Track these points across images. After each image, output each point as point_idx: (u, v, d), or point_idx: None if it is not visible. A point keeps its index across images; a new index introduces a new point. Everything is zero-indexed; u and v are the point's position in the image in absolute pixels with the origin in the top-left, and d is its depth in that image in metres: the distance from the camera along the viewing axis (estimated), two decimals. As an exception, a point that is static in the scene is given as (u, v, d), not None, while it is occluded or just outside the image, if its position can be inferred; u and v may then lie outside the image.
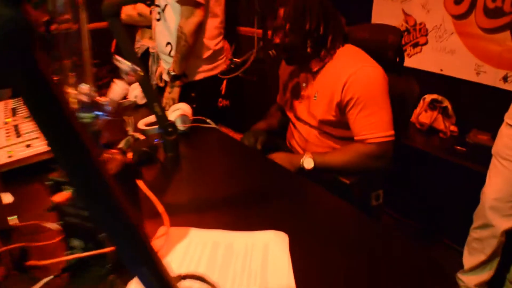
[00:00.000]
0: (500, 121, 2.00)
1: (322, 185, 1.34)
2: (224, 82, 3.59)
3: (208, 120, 1.72)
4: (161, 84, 2.31)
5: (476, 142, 2.45)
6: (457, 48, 2.58)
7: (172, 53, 2.06)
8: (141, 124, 1.69)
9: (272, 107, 2.05)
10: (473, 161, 2.30)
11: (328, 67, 1.62)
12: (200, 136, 1.68)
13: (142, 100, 2.01)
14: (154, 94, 1.38)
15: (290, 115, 1.83)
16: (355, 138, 1.57)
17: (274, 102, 2.04)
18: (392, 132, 1.55)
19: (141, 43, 2.90)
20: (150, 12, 2.36)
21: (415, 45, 2.78)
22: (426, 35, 2.71)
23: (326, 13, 1.57)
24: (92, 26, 3.46)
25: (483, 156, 2.24)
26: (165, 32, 2.08)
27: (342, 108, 1.57)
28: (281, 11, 1.59)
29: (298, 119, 1.77)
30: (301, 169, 1.58)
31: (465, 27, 2.52)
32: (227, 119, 3.70)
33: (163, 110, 1.41)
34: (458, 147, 2.42)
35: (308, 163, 1.57)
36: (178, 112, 1.64)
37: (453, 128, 2.60)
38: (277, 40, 1.62)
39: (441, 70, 2.67)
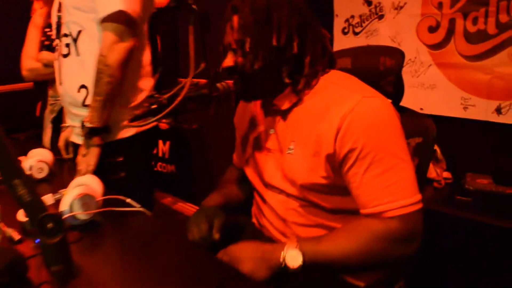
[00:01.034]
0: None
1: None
2: (168, 143, 2.95)
3: (128, 200, 1.05)
4: (67, 156, 1.57)
5: (478, 188, 1.91)
6: (438, 82, 2.10)
7: (89, 100, 1.34)
8: (23, 214, 1.01)
9: (227, 170, 1.39)
10: (481, 212, 1.76)
11: (307, 101, 1.02)
12: (116, 228, 1.01)
13: (39, 174, 1.33)
14: (5, 149, 0.71)
15: (255, 181, 1.18)
16: (363, 211, 0.94)
17: (230, 162, 1.40)
18: (420, 196, 0.93)
19: (57, 98, 2.17)
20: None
21: (387, 83, 2.29)
22: (399, 71, 2.23)
23: (301, 22, 0.99)
24: (12, 87, 2.76)
25: (490, 204, 1.82)
26: (77, 71, 1.37)
27: (336, 165, 0.96)
28: (235, 20, 0.99)
29: (267, 185, 1.13)
30: (283, 270, 0.92)
31: (445, 57, 2.06)
32: (175, 187, 3.02)
33: (31, 188, 0.75)
34: (461, 197, 1.87)
35: (293, 258, 0.91)
36: (77, 190, 0.97)
37: (446, 174, 2.06)
38: (229, 63, 1.00)
39: (421, 109, 2.16)
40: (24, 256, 0.79)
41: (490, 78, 1.94)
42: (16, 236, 0.93)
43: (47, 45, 2.04)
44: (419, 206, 0.93)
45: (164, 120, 0.84)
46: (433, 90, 2.13)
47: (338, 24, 2.40)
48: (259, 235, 1.17)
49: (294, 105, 1.04)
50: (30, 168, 1.31)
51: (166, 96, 0.80)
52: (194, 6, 0.78)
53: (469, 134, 2.06)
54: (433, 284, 1.88)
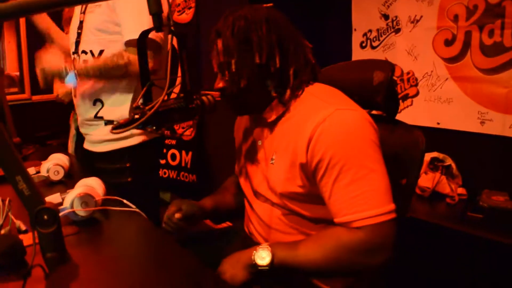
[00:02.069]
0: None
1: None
2: (190, 154, 3.11)
3: (125, 201, 1.19)
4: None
5: (492, 205, 1.91)
6: (455, 96, 2.13)
7: (102, 113, 1.53)
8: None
9: (227, 179, 1.50)
10: (492, 230, 1.76)
11: (289, 114, 1.12)
12: (112, 225, 1.15)
13: (56, 176, 1.50)
14: (9, 148, 0.86)
15: (246, 189, 1.29)
16: (335, 220, 1.02)
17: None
18: (392, 206, 0.99)
19: None
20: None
21: (405, 97, 2.33)
22: (416, 85, 2.27)
23: (280, 37, 1.09)
24: (48, 97, 2.99)
25: (504, 222, 1.81)
26: (93, 87, 1.54)
27: (310, 174, 1.04)
28: (219, 44, 1.11)
29: (257, 194, 1.23)
30: (254, 267, 1.02)
31: (461, 70, 2.10)
32: (196, 196, 3.15)
33: (31, 184, 0.89)
34: (472, 214, 1.88)
35: (261, 257, 1.01)
36: (79, 190, 1.12)
37: (461, 190, 2.07)
38: (219, 84, 1.13)
39: (438, 123, 2.20)
40: (22, 242, 0.94)
41: (507, 92, 1.95)
42: (23, 227, 1.09)
43: None
44: (390, 216, 0.97)
45: (149, 129, 0.97)
46: (449, 104, 2.16)
47: (356, 38, 2.49)
48: (249, 241, 1.27)
49: (280, 116, 1.13)
50: (47, 171, 1.48)
51: (148, 107, 0.93)
52: (172, 28, 0.91)
53: (486, 150, 2.07)
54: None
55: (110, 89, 1.49)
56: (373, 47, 2.41)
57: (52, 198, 1.23)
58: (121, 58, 1.41)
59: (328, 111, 1.02)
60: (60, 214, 0.94)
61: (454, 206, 2.00)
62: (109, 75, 1.43)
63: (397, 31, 2.30)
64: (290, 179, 1.08)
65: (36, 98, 3.26)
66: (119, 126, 0.91)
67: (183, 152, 3.02)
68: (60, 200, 1.24)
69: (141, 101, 1.00)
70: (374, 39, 2.40)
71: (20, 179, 0.90)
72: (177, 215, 1.23)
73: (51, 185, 1.49)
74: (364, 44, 2.45)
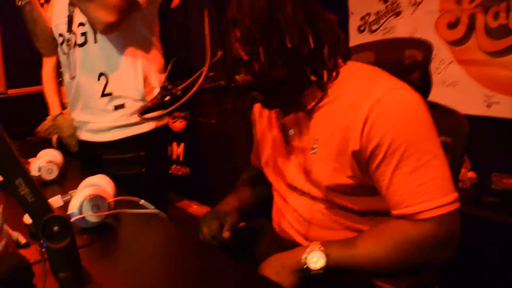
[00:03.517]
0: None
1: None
2: (182, 145, 2.88)
3: (142, 202, 0.97)
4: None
5: (505, 188, 1.81)
6: (459, 79, 1.99)
7: (109, 88, 1.30)
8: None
9: (243, 173, 1.30)
10: (510, 213, 1.66)
11: (329, 98, 0.93)
12: (129, 231, 0.93)
13: (49, 175, 1.26)
14: (7, 147, 0.64)
15: (277, 182, 1.09)
16: (395, 212, 0.85)
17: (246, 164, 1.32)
18: (456, 195, 0.84)
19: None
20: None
21: (406, 82, 2.19)
22: (418, 69, 2.14)
23: (308, 13, 0.89)
24: (25, 90, 2.70)
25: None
26: (95, 59, 1.30)
27: (363, 162, 0.87)
28: (238, 33, 0.89)
29: (291, 187, 1.04)
30: (306, 271, 0.84)
31: (466, 53, 1.95)
32: (190, 190, 2.95)
33: (35, 188, 0.67)
34: (488, 197, 1.77)
35: (315, 260, 0.83)
36: (87, 191, 0.90)
37: (470, 174, 1.96)
38: (246, 78, 0.88)
39: (443, 107, 2.07)
40: (29, 262, 0.72)
41: (514, 74, 1.84)
42: (22, 240, 0.86)
43: None
44: (456, 205, 0.84)
45: (179, 114, 0.76)
46: (454, 88, 2.02)
47: (354, 22, 2.31)
48: (280, 239, 1.09)
49: (318, 101, 0.94)
50: (39, 170, 1.24)
51: (180, 87, 0.72)
52: (209, -12, 0.70)
53: (494, 133, 1.95)
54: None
55: (111, 55, 1.29)
56: (372, 31, 2.24)
57: (52, 202, 1.00)
58: None
59: (381, 91, 0.85)
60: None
61: (466, 190, 1.89)
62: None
63: (397, 14, 2.14)
64: (339, 170, 0.90)
65: (12, 92, 2.93)
66: (147, 110, 0.70)
67: (174, 144, 2.77)
68: (62, 204, 1.01)
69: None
70: (373, 23, 2.23)
71: (22, 183, 0.68)
72: (227, 234, 1.00)
73: (43, 185, 1.26)
74: (362, 28, 2.28)
